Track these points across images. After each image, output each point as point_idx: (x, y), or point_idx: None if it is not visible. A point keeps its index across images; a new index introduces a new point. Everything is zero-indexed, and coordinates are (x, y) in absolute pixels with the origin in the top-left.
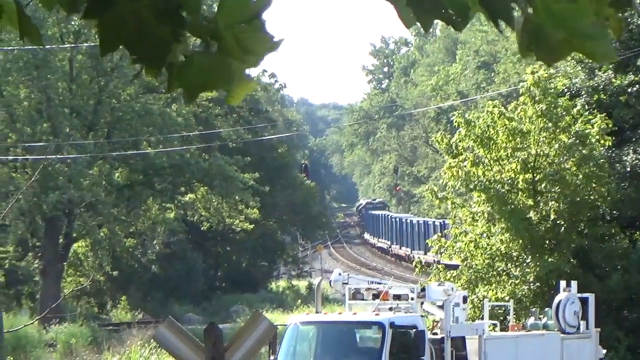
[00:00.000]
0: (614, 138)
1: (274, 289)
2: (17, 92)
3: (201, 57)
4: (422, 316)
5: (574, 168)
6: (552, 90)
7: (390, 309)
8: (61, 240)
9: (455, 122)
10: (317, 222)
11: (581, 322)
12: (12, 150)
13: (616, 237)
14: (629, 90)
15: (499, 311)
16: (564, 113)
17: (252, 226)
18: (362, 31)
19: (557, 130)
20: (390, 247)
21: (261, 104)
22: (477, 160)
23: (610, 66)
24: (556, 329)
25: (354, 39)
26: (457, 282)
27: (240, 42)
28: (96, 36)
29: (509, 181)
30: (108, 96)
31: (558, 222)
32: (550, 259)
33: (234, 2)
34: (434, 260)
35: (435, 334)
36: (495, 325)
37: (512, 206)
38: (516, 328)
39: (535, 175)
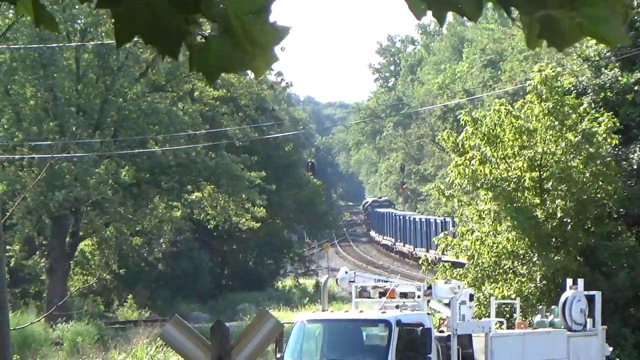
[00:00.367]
0: (620, 136)
1: (281, 287)
2: (23, 91)
3: (218, 40)
4: (428, 314)
5: (581, 166)
6: (559, 88)
7: (397, 306)
8: (68, 239)
9: (463, 120)
10: (323, 221)
11: (588, 320)
12: (18, 150)
13: (623, 235)
14: (635, 88)
15: (506, 309)
16: (571, 111)
17: (258, 225)
18: (369, 29)
19: (564, 129)
20: (394, 244)
21: (268, 103)
22: (484, 159)
23: (617, 64)
24: (563, 327)
25: (361, 37)
26: (463, 280)
27: (247, 33)
28: (102, 35)
29: (516, 179)
30: (114, 95)
31: (565, 220)
32: (556, 257)
33: None
34: (436, 257)
35: (442, 331)
36: (501, 323)
37: (519, 204)
38: (523, 326)
39: (542, 173)
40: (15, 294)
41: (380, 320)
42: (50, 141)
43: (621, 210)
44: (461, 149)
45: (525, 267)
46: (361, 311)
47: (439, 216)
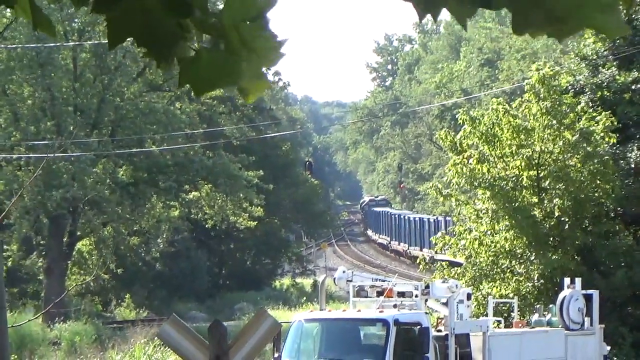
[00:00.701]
0: (617, 135)
1: (278, 286)
2: (21, 90)
3: (210, 53)
4: (426, 313)
5: (579, 165)
6: (557, 87)
7: (395, 306)
8: (65, 238)
9: (460, 119)
10: (321, 220)
11: (585, 319)
12: (16, 149)
13: (620, 234)
14: (633, 87)
15: (503, 308)
16: (568, 110)
17: (256, 224)
18: (366, 29)
19: (562, 127)
20: (389, 243)
21: (265, 102)
22: (482, 158)
23: (614, 63)
24: (560, 326)
25: (358, 36)
26: (461, 279)
27: (245, 42)
28: (100, 35)
29: (514, 178)
30: (112, 94)
31: (562, 219)
32: (554, 256)
33: (239, 0)
34: (430, 256)
35: (440, 331)
36: (499, 322)
37: (517, 203)
38: (520, 325)
39: (539, 172)
40: (13, 293)
41: (377, 319)
42: (47, 141)
43: (619, 209)
44: (459, 148)
45: (522, 266)
46: (359, 310)
47: (432, 215)
